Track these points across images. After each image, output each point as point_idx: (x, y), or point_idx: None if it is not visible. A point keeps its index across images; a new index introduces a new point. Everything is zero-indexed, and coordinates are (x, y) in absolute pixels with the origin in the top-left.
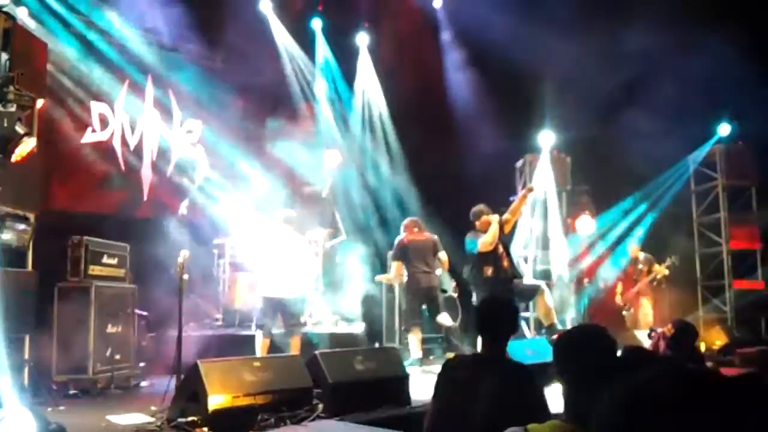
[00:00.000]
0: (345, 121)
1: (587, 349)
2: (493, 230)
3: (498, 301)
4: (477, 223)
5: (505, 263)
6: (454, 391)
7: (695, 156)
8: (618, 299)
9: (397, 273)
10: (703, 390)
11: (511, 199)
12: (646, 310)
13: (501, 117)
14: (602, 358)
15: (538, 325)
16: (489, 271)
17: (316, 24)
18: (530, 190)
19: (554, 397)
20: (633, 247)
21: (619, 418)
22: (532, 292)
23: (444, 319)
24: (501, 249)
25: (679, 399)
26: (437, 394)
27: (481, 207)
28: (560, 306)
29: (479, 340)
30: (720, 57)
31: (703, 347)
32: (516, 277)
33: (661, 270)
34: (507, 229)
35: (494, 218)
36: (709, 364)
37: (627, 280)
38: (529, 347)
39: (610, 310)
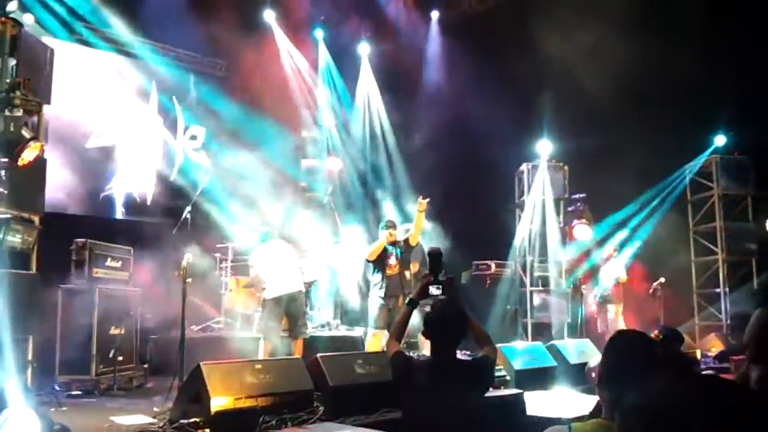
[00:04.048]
0: (346, 127)
1: (630, 349)
2: (376, 245)
3: (447, 308)
4: (380, 233)
5: (389, 272)
6: (419, 397)
7: (692, 166)
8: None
9: None
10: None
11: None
12: (611, 316)
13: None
14: (644, 358)
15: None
16: (377, 278)
17: (319, 34)
18: (421, 205)
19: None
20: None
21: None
22: None
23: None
24: (393, 260)
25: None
26: (401, 400)
27: (387, 221)
28: (558, 314)
29: (429, 343)
30: (716, 68)
31: (699, 354)
32: (405, 286)
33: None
34: (413, 241)
35: (384, 235)
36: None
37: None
38: (527, 353)
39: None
